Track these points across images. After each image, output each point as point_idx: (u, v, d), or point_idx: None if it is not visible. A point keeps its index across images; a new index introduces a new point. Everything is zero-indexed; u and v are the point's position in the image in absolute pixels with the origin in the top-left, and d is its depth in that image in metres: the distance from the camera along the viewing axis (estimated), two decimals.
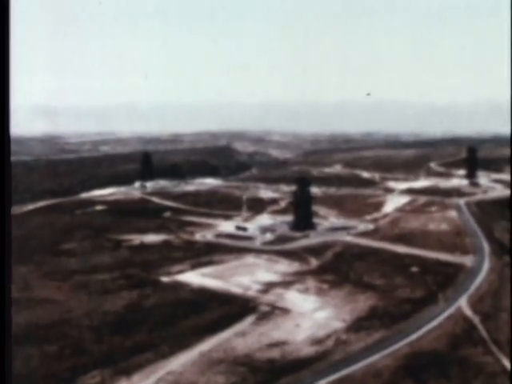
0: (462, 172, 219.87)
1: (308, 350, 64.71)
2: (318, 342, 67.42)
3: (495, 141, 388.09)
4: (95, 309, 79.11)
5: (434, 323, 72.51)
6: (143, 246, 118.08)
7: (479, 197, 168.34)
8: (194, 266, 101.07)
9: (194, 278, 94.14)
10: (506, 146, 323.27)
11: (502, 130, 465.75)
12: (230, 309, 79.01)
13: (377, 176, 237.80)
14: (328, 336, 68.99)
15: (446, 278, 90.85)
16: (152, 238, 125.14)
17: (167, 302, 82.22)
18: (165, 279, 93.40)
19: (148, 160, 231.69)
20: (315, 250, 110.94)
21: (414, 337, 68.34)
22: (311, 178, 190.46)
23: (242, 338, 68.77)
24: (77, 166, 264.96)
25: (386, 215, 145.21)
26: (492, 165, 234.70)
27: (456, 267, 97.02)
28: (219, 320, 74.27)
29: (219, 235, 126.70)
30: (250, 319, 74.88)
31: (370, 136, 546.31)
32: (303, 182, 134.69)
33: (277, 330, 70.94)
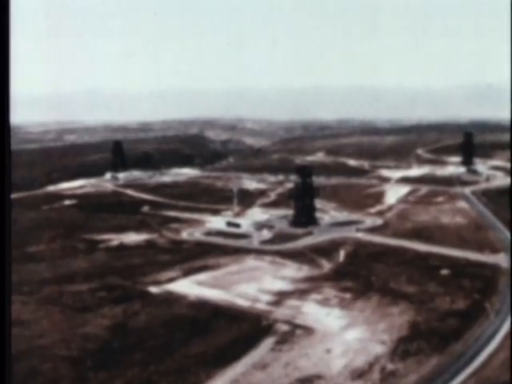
0: (454, 159, 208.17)
1: None
2: (359, 374, 53.63)
3: (474, 127, 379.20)
4: (72, 332, 64.26)
5: (494, 344, 59.39)
6: (123, 248, 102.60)
7: (483, 186, 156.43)
8: (186, 273, 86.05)
9: (189, 287, 79.25)
10: (488, 132, 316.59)
11: (478, 115, 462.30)
12: (240, 329, 64.68)
13: (365, 164, 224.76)
14: (370, 365, 55.22)
15: (486, 283, 77.79)
16: (132, 237, 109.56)
17: (161, 320, 67.59)
18: (154, 290, 78.34)
19: (119, 149, 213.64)
20: (324, 250, 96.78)
21: (476, 364, 55.10)
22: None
23: (263, 371, 54.55)
24: (41, 157, 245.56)
25: (390, 207, 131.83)
26: (480, 151, 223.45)
27: (492, 269, 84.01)
28: (229, 345, 60.05)
29: (209, 233, 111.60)
30: (267, 343, 60.64)
31: (344, 123, 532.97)
32: (304, 171, 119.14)
33: (304, 359, 56.87)
